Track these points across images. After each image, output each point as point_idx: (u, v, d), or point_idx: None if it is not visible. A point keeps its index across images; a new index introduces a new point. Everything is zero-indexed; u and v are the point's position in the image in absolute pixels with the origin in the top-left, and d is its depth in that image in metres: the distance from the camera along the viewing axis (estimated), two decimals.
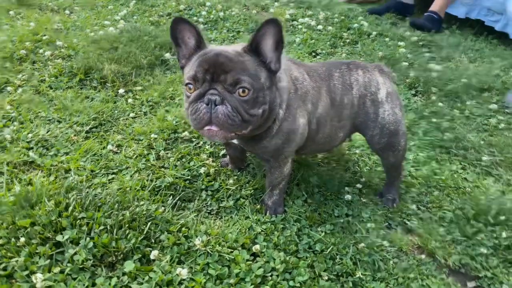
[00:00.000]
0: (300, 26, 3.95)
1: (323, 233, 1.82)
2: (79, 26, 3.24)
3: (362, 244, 1.79)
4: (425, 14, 4.28)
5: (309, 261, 1.68)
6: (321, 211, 1.96)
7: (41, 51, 2.77)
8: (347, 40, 3.78)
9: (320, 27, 3.92)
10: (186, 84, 1.51)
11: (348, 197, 2.04)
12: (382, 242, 1.84)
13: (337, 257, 1.74)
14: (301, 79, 1.76)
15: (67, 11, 3.52)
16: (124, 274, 1.49)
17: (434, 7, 4.28)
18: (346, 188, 2.11)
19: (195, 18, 3.83)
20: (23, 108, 2.27)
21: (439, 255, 1.84)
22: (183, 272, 1.48)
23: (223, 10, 4.00)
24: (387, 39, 3.84)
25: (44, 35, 2.93)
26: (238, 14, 4.02)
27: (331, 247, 1.76)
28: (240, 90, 1.45)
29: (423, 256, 1.83)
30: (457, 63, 3.63)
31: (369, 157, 2.38)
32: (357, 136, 2.47)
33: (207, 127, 1.47)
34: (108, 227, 1.62)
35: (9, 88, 2.41)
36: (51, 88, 2.50)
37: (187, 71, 1.54)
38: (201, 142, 2.24)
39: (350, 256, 1.74)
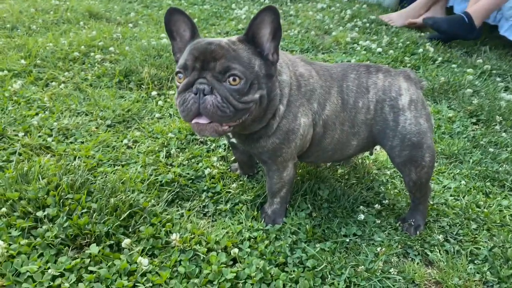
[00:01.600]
0: (359, 49, 3.78)
1: (320, 250, 1.61)
2: (137, 37, 3.42)
3: (362, 267, 1.55)
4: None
5: (294, 275, 1.49)
6: (325, 228, 1.75)
7: (92, 54, 2.96)
8: (408, 65, 3.53)
9: (380, 50, 3.72)
10: (176, 74, 1.43)
11: (361, 216, 1.81)
12: (389, 270, 1.58)
13: (329, 277, 1.52)
14: (307, 76, 1.62)
15: (130, 24, 3.75)
16: (89, 256, 1.43)
17: (469, 8, 3.76)
18: (361, 207, 1.88)
19: None
20: (59, 101, 2.40)
21: None
22: (143, 261, 1.39)
23: (283, 30, 3.99)
24: (454, 65, 3.52)
25: (100, 42, 3.13)
26: (296, 34, 3.98)
27: (325, 265, 1.55)
28: (231, 78, 1.35)
29: None
30: None
31: (401, 180, 2.12)
32: None
33: (195, 120, 1.37)
34: (91, 211, 1.59)
35: (53, 83, 2.57)
36: (91, 86, 2.62)
37: (179, 62, 1.46)
38: (214, 145, 2.17)
39: (345, 278, 1.52)
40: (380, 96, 1.68)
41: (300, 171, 2.04)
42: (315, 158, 1.78)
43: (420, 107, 1.70)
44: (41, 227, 1.49)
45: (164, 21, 1.49)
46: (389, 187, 2.07)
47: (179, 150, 2.12)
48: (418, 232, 1.79)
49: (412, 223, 1.80)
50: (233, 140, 1.66)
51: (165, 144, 2.16)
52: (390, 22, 4.56)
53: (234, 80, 1.35)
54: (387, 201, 1.96)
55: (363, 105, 1.68)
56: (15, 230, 1.48)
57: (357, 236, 1.74)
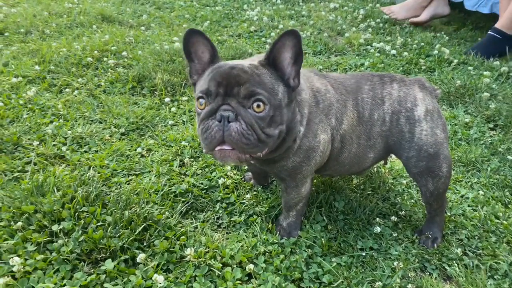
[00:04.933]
0: (372, 51, 3.73)
1: (336, 264, 1.59)
2: (149, 41, 3.41)
3: (379, 283, 1.53)
4: (488, 32, 3.74)
5: None
6: (341, 241, 1.73)
7: (105, 59, 2.95)
8: (423, 67, 3.48)
9: (394, 52, 3.67)
10: (198, 99, 1.37)
11: (377, 229, 1.79)
12: (406, 286, 1.55)
13: None
14: (324, 91, 1.59)
15: (143, 27, 3.75)
16: (104, 272, 1.43)
17: (498, 23, 3.69)
18: (378, 219, 1.85)
19: (263, 39, 3.83)
20: (73, 108, 2.40)
21: None
22: (159, 279, 1.38)
23: None
24: (470, 68, 3.45)
25: (113, 46, 3.13)
26: (309, 36, 3.94)
27: (341, 280, 1.53)
28: (255, 104, 1.30)
29: None
30: None
31: (417, 190, 2.09)
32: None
33: (218, 147, 1.31)
34: (106, 224, 1.59)
35: (67, 90, 2.58)
36: (105, 93, 2.62)
37: (199, 86, 1.41)
38: None
39: None
40: (396, 107, 1.65)
41: (315, 181, 2.02)
42: (332, 171, 1.75)
43: (436, 117, 1.67)
44: (56, 242, 1.49)
45: (183, 42, 1.43)
46: (405, 197, 2.04)
47: (192, 159, 2.11)
48: (435, 245, 1.76)
49: (430, 236, 1.77)
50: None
51: (179, 152, 2.15)
52: (391, 14, 4.48)
53: (258, 106, 1.31)
54: (403, 212, 1.93)
55: (379, 117, 1.65)
56: (31, 244, 1.48)
57: (373, 250, 1.71)
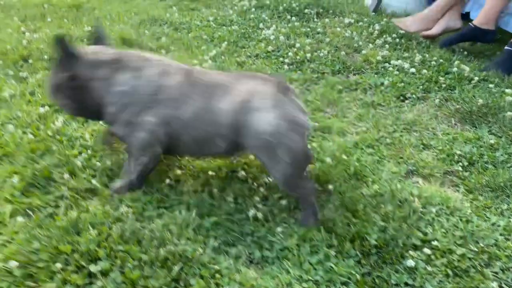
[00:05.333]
0: (391, 69, 3.73)
1: None
2: None
3: None
4: (505, 48, 3.72)
5: None
6: (375, 276, 1.72)
7: None
8: (443, 85, 3.46)
9: (413, 70, 3.66)
10: None
11: (411, 263, 1.77)
12: None
13: None
14: (171, 86, 1.87)
15: (163, 51, 3.79)
16: None
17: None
18: (411, 252, 1.84)
19: (281, 59, 3.85)
20: (99, 138, 2.43)
21: None
22: None
23: (311, 52, 3.96)
24: (491, 85, 3.43)
25: None
26: (326, 55, 3.95)
27: None
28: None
29: None
30: None
31: (447, 219, 2.07)
32: (432, 191, 2.20)
33: None
34: (142, 263, 1.60)
35: None
36: None
37: None
38: (255, 184, 2.16)
39: None
40: (244, 97, 1.82)
41: (345, 214, 2.01)
42: (183, 151, 2.08)
43: (285, 107, 1.81)
44: (95, 283, 1.51)
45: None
46: (436, 227, 2.02)
47: (221, 189, 2.11)
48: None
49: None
50: None
51: (207, 183, 2.16)
52: (404, 27, 4.46)
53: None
54: (436, 243, 1.91)
55: (227, 105, 1.82)
56: (70, 286, 1.50)
57: (408, 286, 1.70)
